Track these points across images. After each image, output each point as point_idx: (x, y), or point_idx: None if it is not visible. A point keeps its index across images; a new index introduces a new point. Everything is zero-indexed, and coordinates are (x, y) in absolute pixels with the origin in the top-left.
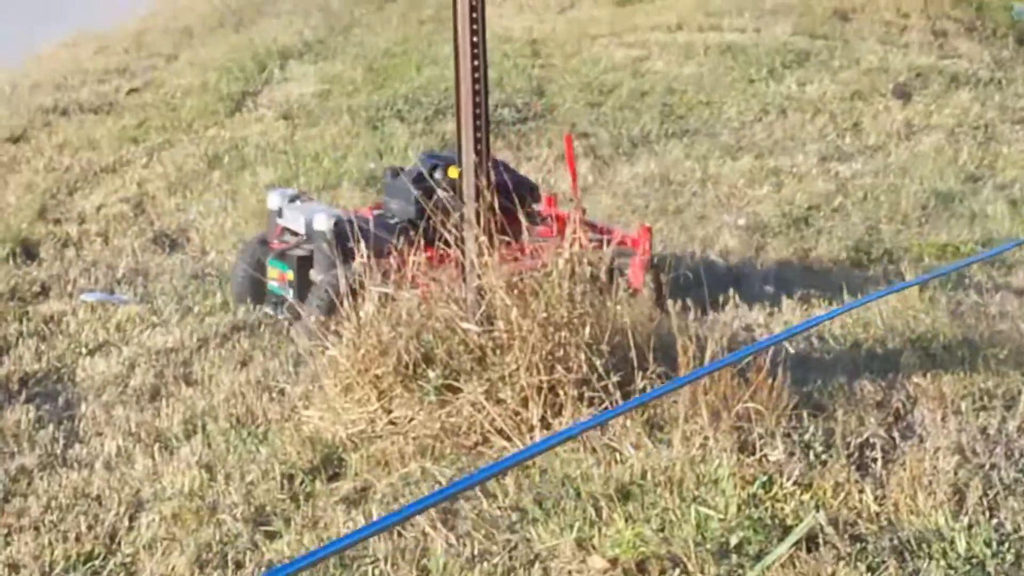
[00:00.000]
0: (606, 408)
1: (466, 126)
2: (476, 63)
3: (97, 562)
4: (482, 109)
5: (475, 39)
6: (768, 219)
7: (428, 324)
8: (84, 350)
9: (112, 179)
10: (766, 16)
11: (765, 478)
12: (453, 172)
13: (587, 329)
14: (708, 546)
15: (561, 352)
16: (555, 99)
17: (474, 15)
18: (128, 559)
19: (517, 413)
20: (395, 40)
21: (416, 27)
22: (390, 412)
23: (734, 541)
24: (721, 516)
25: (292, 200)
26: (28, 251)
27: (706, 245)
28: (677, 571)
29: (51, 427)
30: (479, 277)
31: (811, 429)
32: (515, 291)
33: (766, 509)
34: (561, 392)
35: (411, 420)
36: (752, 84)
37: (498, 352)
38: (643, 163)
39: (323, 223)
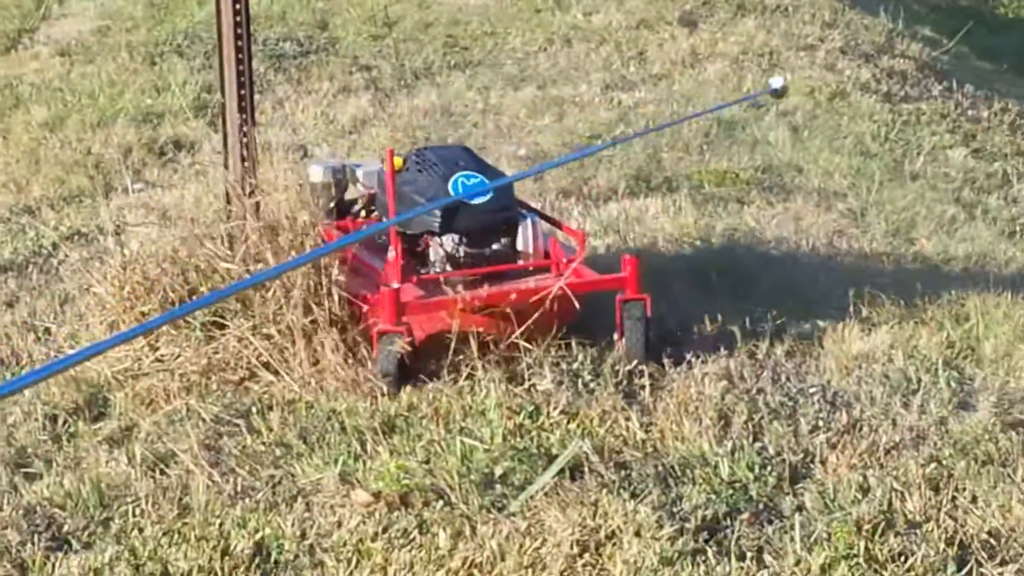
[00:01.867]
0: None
1: (228, 60)
2: None
3: None
4: (244, 42)
5: None
6: (549, 149)
7: (192, 262)
8: None
9: None
10: None
11: (532, 408)
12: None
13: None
14: (472, 477)
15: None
16: (338, 32)
17: None
18: None
19: (284, 348)
20: None
21: None
22: (156, 349)
23: (499, 471)
24: (487, 447)
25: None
26: None
27: None
28: (440, 503)
29: None
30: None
31: (580, 358)
32: (272, 233)
33: (532, 439)
34: (321, 330)
35: (178, 357)
36: (538, 14)
37: (259, 291)
38: (424, 95)
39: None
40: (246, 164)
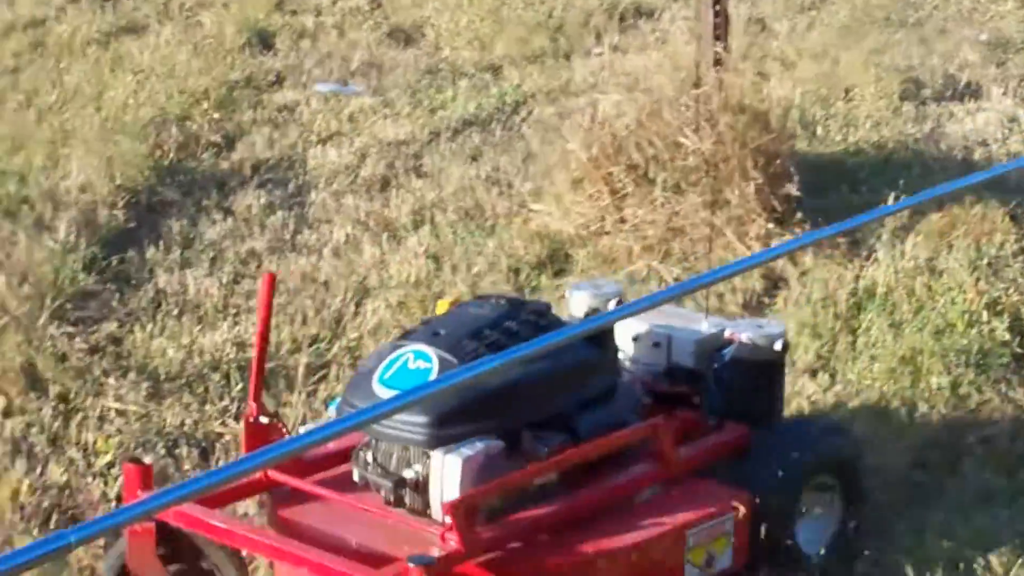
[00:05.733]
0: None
1: None
2: None
3: (323, 345)
4: None
5: None
6: (1011, 35)
7: (657, 131)
8: (316, 139)
9: None
10: None
11: None
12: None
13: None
14: None
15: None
16: None
17: None
18: (353, 343)
19: (742, 222)
20: None
21: None
22: (620, 210)
23: None
24: None
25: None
26: (264, 41)
27: (945, 59)
28: None
29: (281, 213)
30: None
31: None
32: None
33: None
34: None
35: (641, 219)
36: None
37: (721, 164)
38: None
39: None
40: (717, 35)
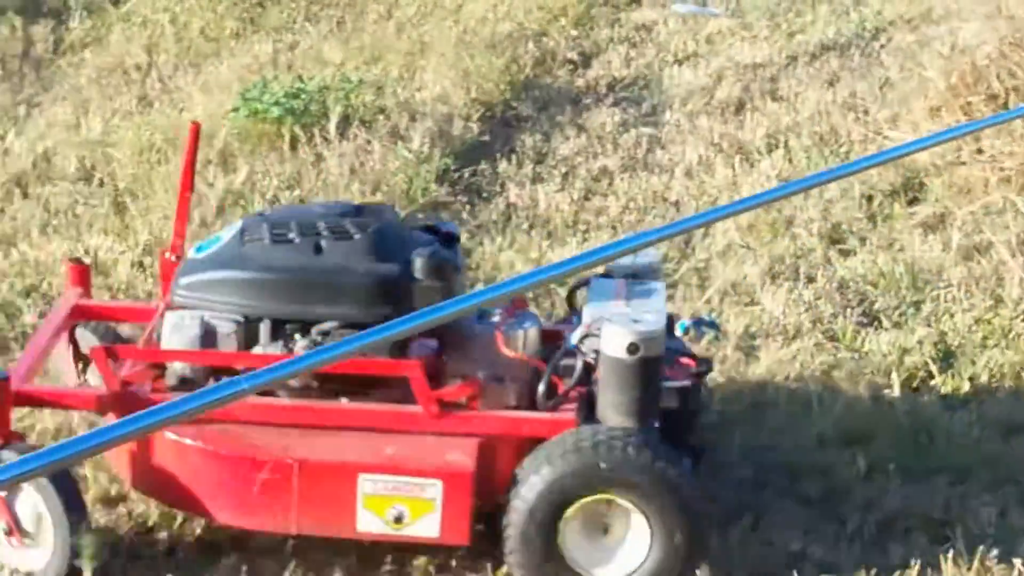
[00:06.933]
0: None
1: None
2: None
3: (671, 264)
4: None
5: None
6: None
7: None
8: (672, 59)
9: None
10: None
11: None
12: None
13: None
14: None
15: None
16: None
17: None
18: (701, 264)
19: None
20: None
21: None
22: (978, 140)
23: None
24: None
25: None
26: None
27: None
28: None
29: (634, 132)
30: None
31: None
32: None
33: None
34: None
35: (1000, 150)
36: None
37: None
38: None
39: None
40: None
